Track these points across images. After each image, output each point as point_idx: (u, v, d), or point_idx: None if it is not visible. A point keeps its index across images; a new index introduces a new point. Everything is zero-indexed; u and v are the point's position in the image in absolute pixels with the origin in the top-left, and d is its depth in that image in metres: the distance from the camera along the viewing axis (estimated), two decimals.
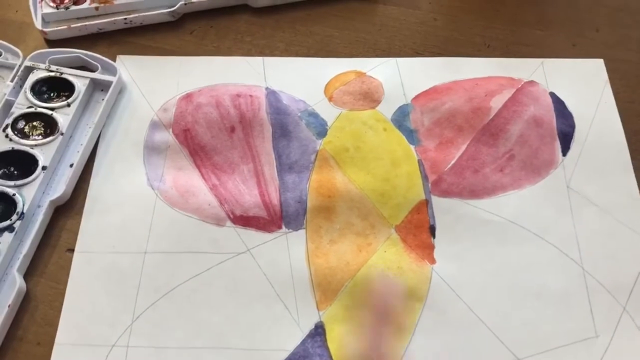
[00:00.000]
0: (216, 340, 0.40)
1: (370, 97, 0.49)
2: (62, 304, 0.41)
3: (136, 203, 0.45)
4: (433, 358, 0.39)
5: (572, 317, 0.40)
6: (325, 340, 0.40)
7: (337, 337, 0.40)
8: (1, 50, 0.51)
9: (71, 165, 0.46)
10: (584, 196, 0.45)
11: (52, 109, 0.47)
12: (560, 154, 0.46)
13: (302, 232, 0.44)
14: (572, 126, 0.48)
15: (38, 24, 0.52)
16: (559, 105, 0.48)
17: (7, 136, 0.46)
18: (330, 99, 0.49)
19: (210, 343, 0.40)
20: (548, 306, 0.41)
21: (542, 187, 0.45)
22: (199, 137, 0.47)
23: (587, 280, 0.41)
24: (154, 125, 0.48)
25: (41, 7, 0.53)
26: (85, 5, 0.53)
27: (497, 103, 0.48)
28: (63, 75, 0.49)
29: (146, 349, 0.39)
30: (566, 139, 0.47)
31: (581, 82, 0.50)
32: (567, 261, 0.42)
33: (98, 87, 0.50)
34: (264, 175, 0.46)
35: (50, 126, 0.47)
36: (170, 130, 0.48)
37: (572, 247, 0.43)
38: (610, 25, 0.54)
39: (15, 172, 0.45)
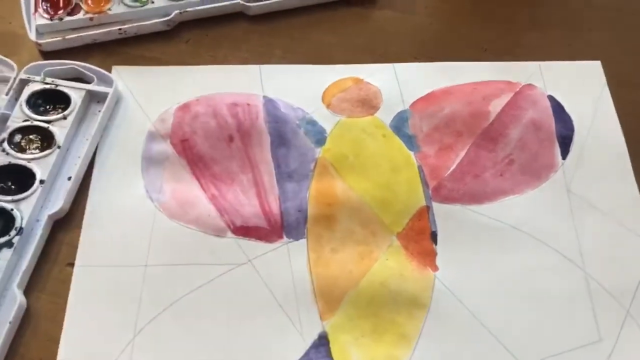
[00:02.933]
0: (220, 353, 0.39)
1: (368, 103, 0.49)
2: (63, 319, 0.41)
3: (135, 215, 0.44)
4: None
5: (576, 321, 0.40)
6: (329, 351, 0.39)
7: (341, 347, 0.40)
8: None
9: (69, 179, 0.45)
10: (584, 199, 0.45)
11: (48, 121, 0.47)
12: (560, 157, 0.46)
13: (303, 241, 0.43)
14: (572, 129, 0.48)
15: (32, 36, 0.52)
16: (558, 108, 0.48)
17: (3, 150, 0.45)
18: (328, 106, 0.49)
19: (213, 356, 0.39)
20: (551, 311, 0.41)
21: (543, 191, 0.45)
22: (197, 147, 0.47)
23: (590, 284, 0.41)
24: (152, 136, 0.48)
25: (35, 18, 0.53)
26: (79, 16, 0.53)
27: (495, 107, 0.48)
28: (58, 88, 0.49)
29: None
30: (565, 142, 0.47)
31: (579, 85, 0.50)
32: (569, 265, 0.42)
33: (94, 98, 0.50)
34: (264, 185, 0.45)
35: (46, 139, 0.46)
36: (168, 140, 0.47)
37: (574, 251, 0.43)
38: (605, 26, 0.54)
39: (13, 187, 0.44)
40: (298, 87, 0.50)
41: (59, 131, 0.47)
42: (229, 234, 0.44)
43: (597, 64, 0.51)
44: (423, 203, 0.44)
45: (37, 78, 0.49)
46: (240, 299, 0.41)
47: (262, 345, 0.40)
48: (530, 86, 0.50)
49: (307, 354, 0.39)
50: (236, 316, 0.41)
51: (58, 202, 0.44)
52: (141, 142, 0.48)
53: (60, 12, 0.53)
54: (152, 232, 0.44)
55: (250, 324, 0.40)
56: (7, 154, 0.45)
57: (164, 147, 0.47)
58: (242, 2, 0.54)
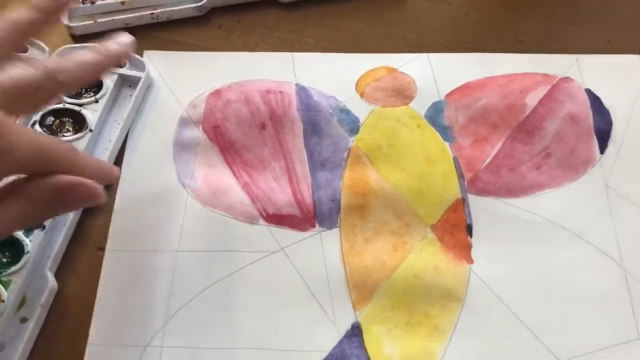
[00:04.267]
0: (252, 341, 0.39)
1: (402, 93, 0.48)
2: (94, 303, 0.40)
3: (167, 201, 0.44)
4: (472, 359, 0.38)
5: (614, 318, 0.40)
6: (363, 341, 0.39)
7: (375, 338, 0.39)
8: (27, 46, 0.50)
9: None
10: (623, 195, 0.44)
11: (80, 105, 0.47)
12: (597, 151, 0.46)
13: (336, 230, 0.43)
14: (610, 123, 0.47)
15: (64, 19, 0.51)
16: (596, 102, 0.47)
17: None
18: (361, 96, 0.48)
19: (245, 343, 0.39)
20: (589, 307, 0.40)
21: (580, 185, 0.44)
22: (229, 134, 0.46)
23: (629, 281, 0.41)
24: (183, 122, 0.47)
25: None
26: (111, 0, 0.52)
27: (532, 100, 0.47)
28: None
29: (180, 349, 0.39)
30: (603, 136, 0.46)
31: (617, 78, 0.49)
32: (607, 261, 0.41)
33: (126, 82, 0.49)
34: (296, 173, 0.45)
35: (78, 122, 0.46)
36: (200, 126, 0.47)
37: (612, 247, 0.42)
38: None
39: None
40: (331, 75, 0.49)
41: (91, 114, 0.46)
42: (262, 221, 0.43)
43: (636, 58, 0.50)
44: (459, 195, 0.44)
45: None
46: (272, 287, 0.41)
47: (295, 334, 0.39)
48: (567, 79, 0.49)
49: (340, 343, 0.39)
50: (269, 304, 0.40)
51: None
52: (173, 127, 0.47)
53: None
54: (184, 217, 0.43)
55: (283, 312, 0.40)
56: None
57: (196, 133, 0.47)
58: None
